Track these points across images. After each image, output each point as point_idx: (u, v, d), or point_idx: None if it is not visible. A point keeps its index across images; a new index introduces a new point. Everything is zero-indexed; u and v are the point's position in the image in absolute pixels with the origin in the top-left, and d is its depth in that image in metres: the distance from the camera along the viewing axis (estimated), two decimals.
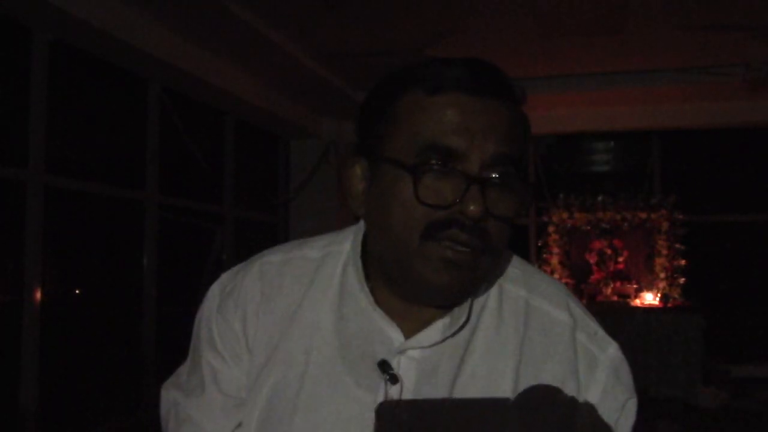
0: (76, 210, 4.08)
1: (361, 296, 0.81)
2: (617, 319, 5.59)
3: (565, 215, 6.33)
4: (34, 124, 3.52)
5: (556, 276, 6.29)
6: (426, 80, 0.76)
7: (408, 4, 4.11)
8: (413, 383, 0.77)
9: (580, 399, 0.80)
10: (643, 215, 6.22)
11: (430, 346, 0.78)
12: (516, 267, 0.88)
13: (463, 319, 0.79)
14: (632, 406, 0.84)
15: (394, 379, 0.76)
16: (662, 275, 6.13)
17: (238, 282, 0.86)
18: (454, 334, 0.79)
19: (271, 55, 4.60)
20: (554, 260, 6.33)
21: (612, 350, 0.84)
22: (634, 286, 6.23)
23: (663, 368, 5.39)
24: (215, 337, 0.85)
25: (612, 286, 6.22)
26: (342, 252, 0.86)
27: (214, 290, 0.88)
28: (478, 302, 0.82)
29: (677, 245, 6.12)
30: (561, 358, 0.81)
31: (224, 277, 0.89)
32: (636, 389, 0.85)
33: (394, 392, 0.75)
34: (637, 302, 6.11)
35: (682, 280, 6.09)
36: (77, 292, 4.28)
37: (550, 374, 0.80)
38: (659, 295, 6.09)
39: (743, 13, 4.26)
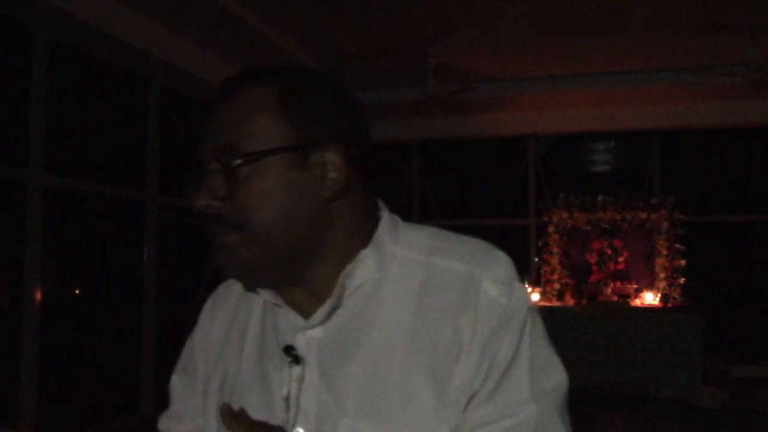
0: (76, 210, 4.08)
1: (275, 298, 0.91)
2: (617, 319, 5.60)
3: (565, 215, 6.33)
4: (34, 124, 3.52)
5: (556, 276, 6.29)
6: None
7: (407, 4, 4.11)
8: (315, 360, 0.84)
9: (475, 336, 0.80)
10: (643, 215, 6.22)
11: (321, 323, 0.85)
12: (429, 237, 0.89)
13: (337, 290, 0.84)
14: (513, 339, 0.81)
15: (297, 359, 0.84)
16: (662, 275, 6.13)
17: (202, 310, 1.01)
18: (335, 309, 0.84)
19: (271, 55, 4.60)
20: (554, 260, 6.34)
21: (517, 294, 0.83)
22: (634, 286, 6.23)
23: (663, 368, 5.38)
24: (183, 360, 1.00)
25: (612, 286, 6.22)
26: None
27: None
28: (357, 276, 0.85)
29: (677, 245, 6.12)
30: (460, 307, 0.81)
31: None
32: (552, 341, 0.84)
33: (296, 371, 0.84)
34: (637, 302, 6.11)
35: (682, 280, 6.09)
36: (77, 292, 4.29)
37: (449, 325, 0.81)
38: (659, 295, 6.09)
39: (743, 13, 4.26)
